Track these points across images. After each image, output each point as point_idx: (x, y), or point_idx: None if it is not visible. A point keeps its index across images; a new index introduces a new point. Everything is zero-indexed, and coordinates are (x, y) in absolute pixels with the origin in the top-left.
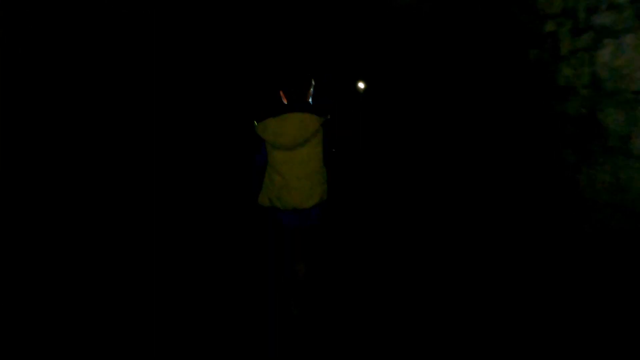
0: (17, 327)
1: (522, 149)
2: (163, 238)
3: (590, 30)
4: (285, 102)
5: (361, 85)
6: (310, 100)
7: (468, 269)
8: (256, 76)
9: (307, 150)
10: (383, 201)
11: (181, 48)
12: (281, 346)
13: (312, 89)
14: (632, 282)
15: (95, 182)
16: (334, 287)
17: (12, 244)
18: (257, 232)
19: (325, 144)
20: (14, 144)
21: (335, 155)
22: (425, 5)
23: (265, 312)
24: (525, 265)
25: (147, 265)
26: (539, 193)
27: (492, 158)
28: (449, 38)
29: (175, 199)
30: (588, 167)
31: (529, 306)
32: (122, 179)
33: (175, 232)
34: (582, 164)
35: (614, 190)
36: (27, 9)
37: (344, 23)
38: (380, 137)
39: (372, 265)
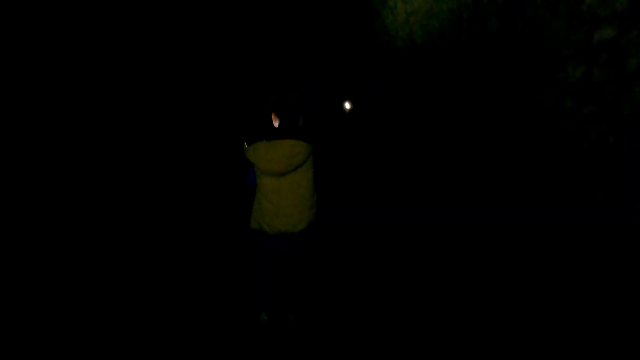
0: (17, 327)
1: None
2: (162, 240)
3: None
4: (275, 123)
5: (347, 105)
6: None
7: None
8: (252, 93)
9: (297, 177)
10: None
11: (181, 49)
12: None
13: (304, 115)
14: None
15: (93, 184)
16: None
17: (13, 244)
18: (250, 247)
19: (315, 170)
20: (13, 144)
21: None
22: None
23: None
24: None
25: (146, 267)
26: None
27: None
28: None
29: (174, 204)
30: None
31: None
32: (121, 180)
33: (174, 237)
34: None
35: None
36: (27, 9)
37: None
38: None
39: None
